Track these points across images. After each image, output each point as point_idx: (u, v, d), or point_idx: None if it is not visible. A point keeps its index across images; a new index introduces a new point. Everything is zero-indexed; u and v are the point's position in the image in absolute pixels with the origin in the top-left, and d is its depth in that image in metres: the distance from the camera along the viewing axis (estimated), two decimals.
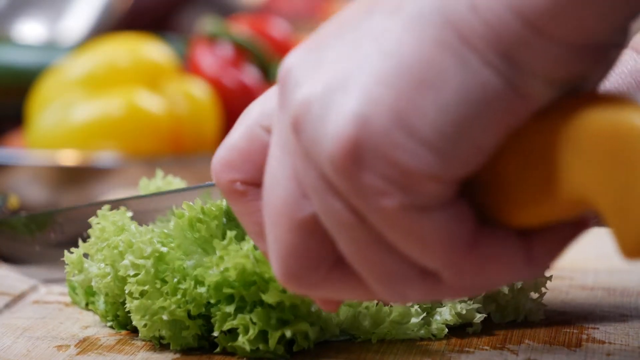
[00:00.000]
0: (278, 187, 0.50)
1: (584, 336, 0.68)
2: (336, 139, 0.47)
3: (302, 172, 0.49)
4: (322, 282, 0.51)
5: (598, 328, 0.69)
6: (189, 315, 0.63)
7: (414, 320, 0.66)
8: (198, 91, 1.30)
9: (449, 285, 0.49)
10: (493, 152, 0.47)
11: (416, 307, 0.66)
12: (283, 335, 0.62)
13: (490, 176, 0.48)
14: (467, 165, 0.47)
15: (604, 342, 0.67)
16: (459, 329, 0.68)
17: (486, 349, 0.66)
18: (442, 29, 0.46)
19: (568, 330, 0.69)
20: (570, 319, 0.71)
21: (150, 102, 1.25)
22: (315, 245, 0.50)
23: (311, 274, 0.51)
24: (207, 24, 1.41)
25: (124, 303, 0.65)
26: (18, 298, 0.76)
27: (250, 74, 1.37)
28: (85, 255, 0.68)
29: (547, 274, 0.71)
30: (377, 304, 0.66)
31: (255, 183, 0.54)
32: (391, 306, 0.66)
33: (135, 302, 0.63)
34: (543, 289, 0.70)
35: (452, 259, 0.48)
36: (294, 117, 0.48)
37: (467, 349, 0.66)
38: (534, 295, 0.70)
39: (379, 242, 0.49)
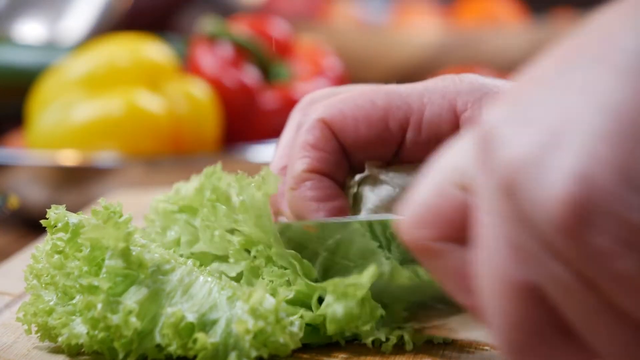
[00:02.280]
0: (493, 257, 0.48)
1: None
2: (559, 199, 0.44)
3: (518, 237, 0.46)
4: (549, 350, 0.48)
5: None
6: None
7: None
8: (198, 91, 1.30)
9: None
10: None
11: None
12: None
13: None
14: None
15: None
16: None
17: (486, 350, 0.66)
18: None
19: None
20: None
21: (150, 102, 1.25)
22: (541, 315, 0.48)
23: (537, 346, 0.48)
24: (207, 24, 1.41)
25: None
26: (18, 298, 0.76)
27: (250, 74, 1.37)
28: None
29: None
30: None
31: (452, 240, 0.51)
32: None
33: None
34: None
35: None
36: (505, 180, 0.46)
37: (467, 349, 0.66)
38: None
39: (611, 310, 0.46)
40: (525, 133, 0.46)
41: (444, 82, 0.70)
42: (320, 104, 0.71)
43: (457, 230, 0.51)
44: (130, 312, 0.61)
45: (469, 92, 0.69)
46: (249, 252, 0.66)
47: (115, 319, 0.61)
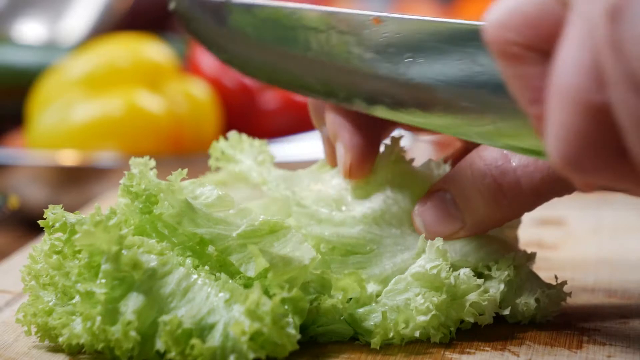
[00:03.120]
0: (574, 71, 0.50)
1: (585, 338, 0.68)
2: None
3: (608, 62, 0.48)
4: (598, 171, 0.51)
5: (599, 330, 0.69)
6: None
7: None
8: (198, 91, 1.30)
9: None
10: None
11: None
12: None
13: None
14: None
15: (604, 344, 0.67)
16: (460, 329, 0.68)
17: (487, 350, 0.66)
18: None
19: (569, 331, 0.69)
20: (571, 320, 0.71)
21: (150, 102, 1.25)
22: (602, 135, 0.50)
23: (590, 161, 0.51)
24: None
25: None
26: (19, 296, 0.76)
27: None
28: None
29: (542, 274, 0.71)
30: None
31: (534, 49, 0.53)
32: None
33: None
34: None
35: None
36: (613, 4, 0.47)
37: (468, 350, 0.66)
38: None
39: None
40: None
41: None
42: None
43: (545, 42, 0.52)
44: (129, 323, 0.61)
45: None
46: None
47: (114, 331, 0.61)
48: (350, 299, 0.67)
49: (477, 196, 0.69)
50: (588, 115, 0.50)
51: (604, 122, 0.50)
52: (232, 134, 0.78)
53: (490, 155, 0.69)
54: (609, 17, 0.48)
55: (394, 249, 0.69)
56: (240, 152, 0.77)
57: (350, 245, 0.69)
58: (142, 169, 0.67)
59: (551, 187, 0.68)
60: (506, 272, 0.68)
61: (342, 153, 0.72)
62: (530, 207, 0.70)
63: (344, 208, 0.71)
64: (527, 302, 0.69)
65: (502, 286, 0.68)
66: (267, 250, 0.63)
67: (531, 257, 0.71)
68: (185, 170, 0.67)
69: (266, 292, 0.63)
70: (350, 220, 0.70)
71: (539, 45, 0.53)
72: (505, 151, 0.69)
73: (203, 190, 0.67)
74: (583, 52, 0.50)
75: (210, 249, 0.66)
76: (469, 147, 0.75)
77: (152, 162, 0.68)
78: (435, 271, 0.66)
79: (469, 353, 0.65)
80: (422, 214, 0.70)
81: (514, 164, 0.69)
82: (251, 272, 0.64)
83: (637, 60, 0.47)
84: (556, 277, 0.71)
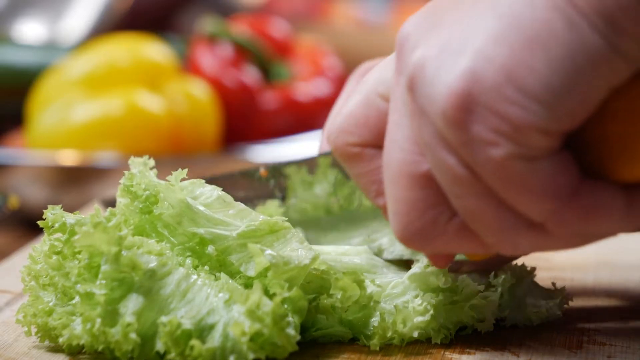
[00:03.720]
0: (397, 148, 0.54)
1: (585, 338, 0.68)
2: (448, 93, 0.50)
3: (418, 130, 0.52)
4: (438, 236, 0.55)
5: (599, 330, 0.69)
6: None
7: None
8: (198, 91, 1.30)
9: (554, 234, 0.53)
10: (597, 109, 0.50)
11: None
12: None
13: (595, 133, 0.51)
14: (572, 118, 0.50)
15: (604, 344, 0.67)
16: (460, 330, 0.68)
17: (487, 350, 0.66)
18: None
19: (569, 332, 0.69)
20: (571, 320, 0.71)
21: (150, 102, 1.25)
22: (433, 201, 0.54)
23: (429, 228, 0.54)
24: (207, 24, 1.41)
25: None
26: (19, 296, 0.76)
27: (250, 74, 1.37)
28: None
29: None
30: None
31: (370, 145, 0.58)
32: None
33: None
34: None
35: (556, 207, 0.51)
36: (409, 78, 0.52)
37: (468, 350, 0.66)
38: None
39: (489, 195, 0.52)
40: (433, 36, 0.52)
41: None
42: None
43: (378, 136, 0.58)
44: (128, 325, 0.61)
45: None
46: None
47: (114, 333, 0.61)
48: (350, 299, 0.67)
49: None
50: (417, 185, 0.54)
51: (433, 190, 0.54)
52: None
53: None
54: (408, 90, 0.52)
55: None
56: None
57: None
58: (142, 168, 0.67)
59: None
60: (505, 279, 0.68)
61: None
62: None
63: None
64: (528, 314, 0.69)
65: (500, 290, 0.68)
66: (268, 249, 0.64)
67: (531, 272, 0.70)
68: (185, 170, 0.67)
69: (266, 292, 0.63)
70: (353, 250, 0.71)
71: (373, 141, 0.58)
72: None
73: (203, 190, 0.67)
74: (401, 130, 0.54)
75: (210, 248, 0.66)
76: None
77: (152, 162, 0.68)
78: (431, 272, 0.66)
79: (469, 353, 0.65)
80: None
81: None
82: (251, 272, 0.64)
83: (438, 117, 0.51)
84: (554, 284, 0.71)
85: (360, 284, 0.66)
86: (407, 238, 0.55)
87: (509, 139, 0.50)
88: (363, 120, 0.58)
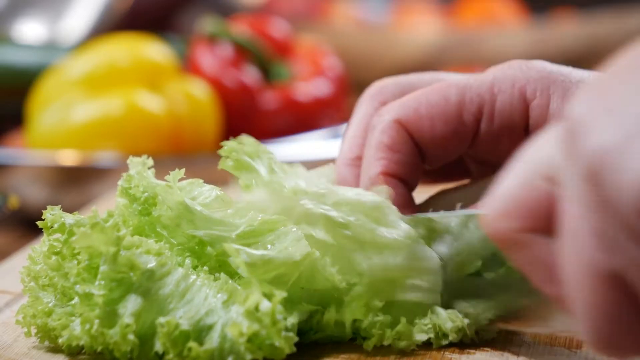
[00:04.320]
0: (577, 246, 0.48)
1: None
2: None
3: (602, 225, 0.47)
4: (636, 342, 0.49)
5: None
6: None
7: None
8: (198, 91, 1.30)
9: None
10: None
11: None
12: None
13: None
14: None
15: None
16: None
17: (487, 350, 0.66)
18: None
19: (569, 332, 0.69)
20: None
21: (150, 102, 1.25)
22: (626, 303, 0.48)
23: (624, 335, 0.49)
24: (207, 24, 1.41)
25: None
26: (19, 296, 0.76)
27: (250, 74, 1.37)
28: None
29: None
30: None
31: (535, 231, 0.53)
32: None
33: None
34: None
35: None
36: (589, 168, 0.47)
37: (468, 350, 0.66)
38: None
39: None
40: (610, 122, 0.47)
41: (512, 70, 0.71)
42: (394, 104, 0.72)
43: (543, 221, 0.52)
44: (127, 326, 0.61)
45: (537, 80, 0.71)
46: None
47: (112, 334, 0.61)
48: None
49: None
50: (605, 287, 0.48)
51: (624, 290, 0.48)
52: (247, 139, 0.74)
53: None
54: (587, 180, 0.47)
55: None
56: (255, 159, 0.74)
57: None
58: (141, 168, 0.67)
59: None
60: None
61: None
62: None
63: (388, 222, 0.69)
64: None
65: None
66: (244, 249, 0.63)
67: None
68: (183, 170, 0.67)
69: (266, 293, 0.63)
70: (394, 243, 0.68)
71: (539, 226, 0.53)
72: None
73: (201, 190, 0.67)
74: (581, 225, 0.48)
75: (210, 249, 0.66)
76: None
77: (150, 161, 0.68)
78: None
79: (469, 353, 0.65)
80: None
81: None
82: (240, 265, 0.64)
83: (629, 209, 0.46)
84: None
85: (369, 308, 0.66)
86: (602, 347, 0.50)
87: None
88: (526, 205, 0.53)
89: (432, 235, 0.68)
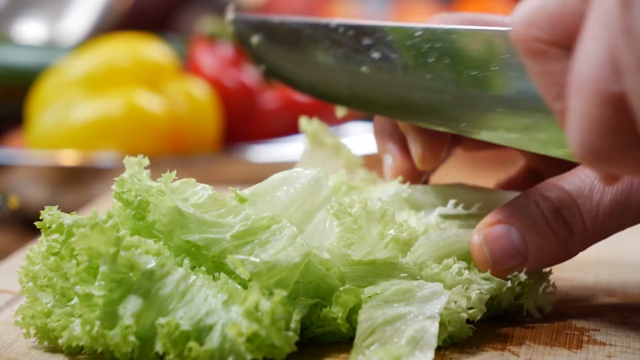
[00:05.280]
0: (592, 61, 0.51)
1: (585, 338, 0.68)
2: None
3: (622, 48, 0.49)
4: (618, 160, 0.52)
5: (599, 330, 0.69)
6: None
7: None
8: (198, 91, 1.30)
9: None
10: None
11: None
12: None
13: None
14: None
15: (604, 344, 0.67)
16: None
17: (487, 350, 0.66)
18: None
19: (569, 331, 0.69)
20: (571, 320, 0.71)
21: (150, 102, 1.25)
22: (620, 123, 0.51)
23: (610, 151, 0.52)
24: (207, 24, 1.41)
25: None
26: (19, 296, 0.76)
27: (250, 74, 1.37)
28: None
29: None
30: None
31: (558, 45, 0.55)
32: None
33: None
34: (551, 280, 0.71)
35: None
36: None
37: (467, 349, 0.66)
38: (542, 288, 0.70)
39: None
40: None
41: None
42: None
43: (568, 37, 0.54)
44: (127, 327, 0.61)
45: None
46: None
47: (113, 335, 0.61)
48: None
49: (546, 235, 0.69)
50: (606, 104, 0.51)
51: (621, 110, 0.51)
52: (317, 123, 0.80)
53: (555, 195, 0.69)
54: (621, 5, 0.49)
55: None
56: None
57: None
58: (135, 170, 0.67)
59: (611, 228, 0.69)
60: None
61: (414, 147, 0.75)
62: (587, 247, 0.70)
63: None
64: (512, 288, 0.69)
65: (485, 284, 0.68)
66: (248, 259, 0.63)
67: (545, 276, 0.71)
68: (174, 173, 0.67)
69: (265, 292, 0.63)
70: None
71: (562, 41, 0.54)
72: (569, 192, 0.69)
73: (194, 190, 0.67)
74: (600, 43, 0.51)
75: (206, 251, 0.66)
76: (522, 175, 0.77)
77: (146, 161, 0.68)
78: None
79: (469, 353, 0.65)
80: (490, 245, 0.69)
81: (580, 206, 0.69)
82: (245, 274, 0.64)
83: None
84: (554, 285, 0.71)
85: (361, 298, 0.66)
86: (585, 156, 0.53)
87: None
88: (555, 17, 0.54)
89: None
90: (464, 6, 2.44)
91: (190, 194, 0.67)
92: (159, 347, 0.61)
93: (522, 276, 0.68)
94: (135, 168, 0.67)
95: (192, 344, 0.61)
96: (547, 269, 0.71)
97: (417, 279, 0.67)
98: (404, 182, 0.75)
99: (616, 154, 0.52)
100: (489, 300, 0.68)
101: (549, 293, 0.70)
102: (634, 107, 0.50)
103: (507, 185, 0.81)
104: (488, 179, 0.84)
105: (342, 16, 2.41)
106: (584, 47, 0.51)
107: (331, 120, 1.42)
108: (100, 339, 0.61)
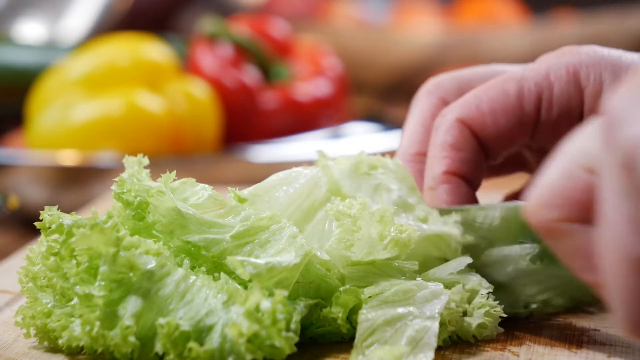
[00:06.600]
0: (614, 232, 0.50)
1: (585, 338, 0.68)
2: None
3: (637, 210, 0.49)
4: None
5: (599, 330, 0.69)
6: None
7: None
8: (198, 91, 1.30)
9: None
10: None
11: None
12: None
13: None
14: None
15: (604, 344, 0.67)
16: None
17: (487, 350, 0.66)
18: None
19: (569, 331, 0.69)
20: (571, 320, 0.71)
21: (150, 102, 1.25)
22: None
23: None
24: (207, 24, 1.41)
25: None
26: (19, 296, 0.76)
27: (250, 74, 1.37)
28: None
29: None
30: None
31: (575, 221, 0.54)
32: None
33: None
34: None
35: None
36: (626, 155, 0.49)
37: (468, 350, 0.66)
38: None
39: None
40: None
41: (565, 57, 0.73)
42: (456, 104, 0.73)
43: (583, 211, 0.54)
44: (127, 328, 0.61)
45: (590, 65, 0.72)
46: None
47: (113, 336, 0.61)
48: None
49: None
50: (638, 271, 0.50)
51: None
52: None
53: None
54: (624, 168, 0.49)
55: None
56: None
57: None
58: (135, 170, 0.67)
59: None
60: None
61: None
62: None
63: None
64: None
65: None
66: (248, 260, 0.63)
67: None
68: (174, 173, 0.67)
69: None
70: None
71: (579, 215, 0.54)
72: None
73: (194, 190, 0.67)
74: (618, 212, 0.50)
75: (205, 251, 0.66)
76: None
77: (146, 161, 0.68)
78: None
79: (469, 353, 0.65)
80: None
81: None
82: (245, 275, 0.64)
83: None
84: None
85: (361, 298, 0.66)
86: (635, 330, 0.51)
87: None
88: (566, 195, 0.54)
89: (465, 224, 0.70)
90: (465, 7, 2.44)
91: (190, 194, 0.67)
92: (158, 348, 0.61)
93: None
94: (135, 168, 0.67)
95: (192, 344, 0.61)
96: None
97: (417, 279, 0.67)
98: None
99: None
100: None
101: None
102: None
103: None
104: (492, 187, 0.84)
105: (342, 16, 2.41)
106: (604, 218, 0.51)
107: (332, 120, 1.42)
108: (100, 339, 0.61)
